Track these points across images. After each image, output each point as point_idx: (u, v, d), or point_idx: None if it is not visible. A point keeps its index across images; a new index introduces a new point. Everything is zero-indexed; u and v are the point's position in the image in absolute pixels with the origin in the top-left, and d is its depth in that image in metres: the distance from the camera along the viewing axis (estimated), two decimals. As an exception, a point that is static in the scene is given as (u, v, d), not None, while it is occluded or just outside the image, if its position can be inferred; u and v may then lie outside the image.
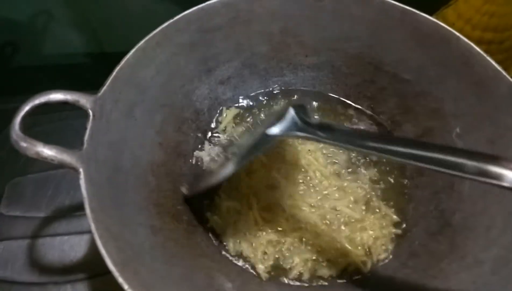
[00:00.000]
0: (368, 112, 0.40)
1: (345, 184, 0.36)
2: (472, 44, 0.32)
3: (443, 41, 0.34)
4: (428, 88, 0.36)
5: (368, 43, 0.38)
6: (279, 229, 0.33)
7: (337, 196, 0.35)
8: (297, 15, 0.37)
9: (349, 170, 0.37)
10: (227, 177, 0.29)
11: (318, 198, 0.35)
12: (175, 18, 0.34)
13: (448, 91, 0.34)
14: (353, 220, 0.34)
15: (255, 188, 0.35)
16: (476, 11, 0.39)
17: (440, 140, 0.35)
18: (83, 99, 0.28)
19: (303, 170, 0.37)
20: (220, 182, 0.32)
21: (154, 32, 0.33)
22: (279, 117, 0.28)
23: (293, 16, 0.37)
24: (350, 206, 0.35)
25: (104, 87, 0.29)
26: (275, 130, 0.28)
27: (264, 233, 0.33)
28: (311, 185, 0.36)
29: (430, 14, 0.36)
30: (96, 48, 0.54)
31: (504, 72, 0.31)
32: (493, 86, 0.31)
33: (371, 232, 0.33)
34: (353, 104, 0.41)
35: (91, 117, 0.28)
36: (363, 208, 0.35)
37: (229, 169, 0.29)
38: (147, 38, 0.33)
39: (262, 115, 0.41)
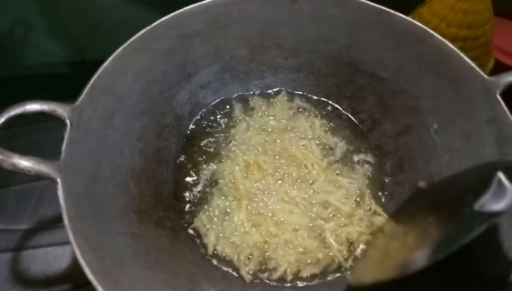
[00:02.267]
0: (348, 111, 0.41)
1: (339, 178, 0.36)
2: (446, 41, 0.33)
3: (418, 40, 0.34)
4: (405, 86, 0.36)
5: (346, 43, 0.38)
6: (266, 232, 0.33)
7: (328, 189, 0.36)
8: (274, 18, 0.38)
9: (346, 164, 0.38)
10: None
11: (311, 191, 0.35)
12: (153, 24, 0.35)
13: (425, 89, 0.35)
14: (341, 214, 0.34)
15: (249, 190, 0.35)
16: (450, 9, 0.39)
17: (418, 137, 0.35)
18: (60, 109, 0.28)
19: (300, 164, 0.37)
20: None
21: (131, 39, 0.33)
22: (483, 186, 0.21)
23: (270, 19, 0.38)
24: (342, 200, 0.35)
25: (82, 96, 0.29)
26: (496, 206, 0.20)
27: (250, 236, 0.33)
28: (307, 177, 0.36)
29: (407, 14, 0.36)
30: (76, 57, 0.53)
31: (477, 68, 0.31)
32: (468, 82, 0.32)
33: (357, 228, 0.34)
34: (333, 104, 0.42)
35: (68, 126, 0.28)
36: (353, 203, 0.35)
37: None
38: (124, 45, 0.33)
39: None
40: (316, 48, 0.39)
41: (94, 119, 0.30)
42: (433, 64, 0.34)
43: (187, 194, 0.36)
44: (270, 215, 0.34)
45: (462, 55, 0.32)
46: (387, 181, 0.37)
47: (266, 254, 0.33)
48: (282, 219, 0.34)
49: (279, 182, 0.36)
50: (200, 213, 0.35)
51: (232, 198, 0.35)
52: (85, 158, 0.28)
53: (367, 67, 0.38)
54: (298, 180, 0.36)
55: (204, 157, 0.38)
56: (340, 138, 0.39)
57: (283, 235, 0.33)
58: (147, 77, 0.35)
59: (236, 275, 0.32)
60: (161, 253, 0.30)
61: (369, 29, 0.36)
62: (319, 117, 0.41)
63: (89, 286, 0.34)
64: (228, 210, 0.34)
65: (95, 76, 0.30)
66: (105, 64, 0.31)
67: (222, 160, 0.37)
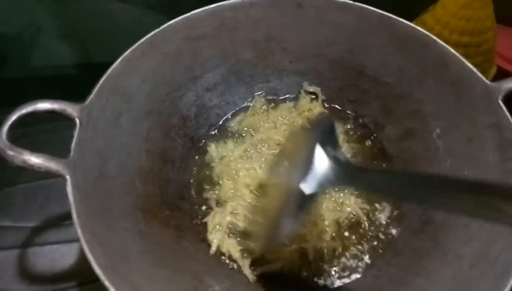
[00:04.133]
0: (352, 115, 0.41)
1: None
2: (448, 47, 0.33)
3: (421, 45, 0.35)
4: (408, 90, 0.37)
5: (349, 48, 0.39)
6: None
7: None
8: (279, 23, 0.39)
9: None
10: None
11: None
12: (161, 27, 0.35)
13: (427, 93, 0.35)
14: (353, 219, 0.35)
15: (265, 205, 0.34)
16: (453, 16, 0.40)
17: (421, 141, 0.36)
18: (69, 108, 0.28)
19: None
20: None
21: (140, 41, 0.34)
22: (306, 162, 0.23)
23: (275, 23, 0.39)
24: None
25: (91, 96, 0.30)
26: (308, 187, 0.23)
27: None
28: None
29: (411, 20, 0.37)
30: (84, 59, 0.54)
31: (479, 73, 0.32)
32: (469, 87, 0.32)
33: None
34: (338, 107, 0.42)
35: (78, 125, 0.28)
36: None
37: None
38: (132, 48, 0.34)
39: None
40: (320, 52, 0.40)
41: (103, 119, 0.31)
42: (435, 69, 0.34)
43: (192, 193, 0.36)
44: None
45: (464, 60, 0.32)
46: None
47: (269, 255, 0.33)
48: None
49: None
50: (205, 211, 0.35)
51: (237, 198, 0.35)
52: (94, 156, 0.29)
53: (370, 72, 0.39)
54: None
55: (209, 158, 0.39)
56: (344, 142, 0.39)
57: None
58: (155, 79, 0.36)
59: (241, 274, 0.32)
60: (167, 250, 0.30)
61: (372, 34, 0.37)
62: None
63: (94, 284, 0.35)
64: (232, 210, 0.35)
65: (104, 77, 0.31)
66: (114, 66, 0.32)
67: (227, 162, 0.38)
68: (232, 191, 0.36)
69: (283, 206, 0.25)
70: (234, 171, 0.37)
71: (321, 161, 0.23)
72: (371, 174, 0.24)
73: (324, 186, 0.23)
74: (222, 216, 0.34)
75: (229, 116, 0.42)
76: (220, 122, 0.41)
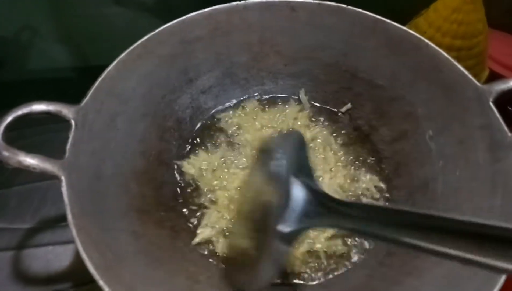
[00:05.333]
0: (346, 117, 0.42)
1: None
2: (440, 50, 0.34)
3: (414, 48, 0.35)
4: (401, 93, 0.37)
5: (343, 51, 0.39)
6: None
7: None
8: (274, 26, 0.39)
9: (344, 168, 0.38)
10: None
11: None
12: (156, 30, 0.36)
13: (420, 95, 0.36)
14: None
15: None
16: (445, 19, 0.41)
17: (414, 143, 0.36)
18: (65, 110, 0.29)
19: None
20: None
21: (135, 44, 0.35)
22: (281, 198, 0.21)
23: (270, 26, 0.39)
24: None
25: (86, 98, 0.30)
26: (286, 226, 0.21)
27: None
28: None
29: (404, 24, 0.38)
30: (80, 62, 0.54)
31: (470, 76, 0.32)
32: (461, 90, 0.32)
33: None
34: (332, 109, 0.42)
35: (73, 127, 0.28)
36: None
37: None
38: (128, 50, 0.34)
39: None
40: (314, 55, 0.40)
41: (98, 120, 0.31)
42: (428, 72, 0.35)
43: (187, 195, 0.37)
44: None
45: (456, 63, 0.33)
46: (383, 185, 0.37)
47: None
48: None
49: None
50: (200, 213, 0.35)
51: (232, 200, 0.35)
52: (89, 157, 0.29)
53: (364, 74, 0.39)
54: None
55: (204, 159, 0.39)
56: (338, 144, 0.40)
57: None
58: (150, 81, 0.36)
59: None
60: (161, 251, 0.30)
61: (365, 37, 0.38)
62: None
63: (89, 285, 0.35)
64: (226, 211, 0.35)
65: (100, 79, 0.31)
66: (109, 68, 0.32)
67: (222, 164, 0.38)
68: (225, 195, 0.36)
69: (262, 252, 0.23)
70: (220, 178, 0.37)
71: (297, 194, 0.21)
72: (354, 208, 0.21)
73: (303, 222, 0.21)
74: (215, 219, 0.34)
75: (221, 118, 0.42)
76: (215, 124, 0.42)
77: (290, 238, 0.22)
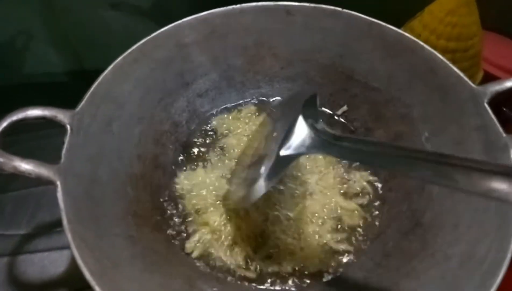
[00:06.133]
0: (343, 119, 0.42)
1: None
2: (435, 52, 0.34)
3: (409, 51, 0.35)
4: (397, 95, 0.37)
5: (339, 53, 0.40)
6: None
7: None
8: (270, 29, 0.39)
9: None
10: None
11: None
12: (152, 34, 0.36)
13: (416, 97, 0.36)
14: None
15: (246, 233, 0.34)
16: (439, 22, 0.41)
17: (410, 145, 0.36)
18: (60, 115, 0.29)
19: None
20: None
21: (131, 48, 0.35)
22: (289, 131, 0.26)
23: (266, 30, 0.39)
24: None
25: (82, 103, 0.30)
26: (287, 151, 0.25)
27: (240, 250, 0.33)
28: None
29: (399, 26, 0.38)
30: (76, 66, 0.54)
31: (465, 78, 0.32)
32: (457, 91, 0.33)
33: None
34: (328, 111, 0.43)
35: (68, 131, 0.28)
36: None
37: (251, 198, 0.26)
38: (124, 54, 0.34)
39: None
40: (310, 58, 0.41)
41: (94, 125, 0.31)
42: (423, 74, 0.35)
43: (183, 199, 0.36)
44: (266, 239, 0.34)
45: (451, 65, 0.33)
46: (379, 186, 0.37)
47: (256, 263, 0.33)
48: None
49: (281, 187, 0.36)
50: (197, 217, 0.35)
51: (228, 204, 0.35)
52: (84, 162, 0.29)
53: (359, 77, 0.40)
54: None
55: (200, 163, 0.39)
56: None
57: (273, 250, 0.33)
58: (146, 85, 0.36)
59: (231, 279, 0.32)
60: (158, 255, 0.30)
61: (361, 40, 0.38)
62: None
63: (85, 291, 0.35)
64: (223, 215, 0.35)
65: (96, 83, 0.31)
66: (105, 72, 0.32)
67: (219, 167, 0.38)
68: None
69: (258, 164, 0.27)
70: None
71: (301, 129, 0.26)
72: (346, 141, 0.25)
73: (300, 150, 0.25)
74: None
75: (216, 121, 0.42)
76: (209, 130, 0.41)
77: (285, 161, 0.26)
